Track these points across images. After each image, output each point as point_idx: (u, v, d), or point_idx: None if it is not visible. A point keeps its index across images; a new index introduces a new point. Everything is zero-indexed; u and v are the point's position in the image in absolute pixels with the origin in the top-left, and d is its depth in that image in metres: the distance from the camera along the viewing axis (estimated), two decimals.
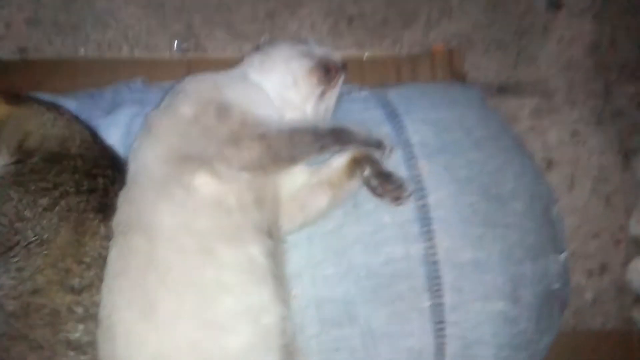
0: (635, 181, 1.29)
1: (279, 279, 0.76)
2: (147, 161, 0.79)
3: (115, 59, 1.21)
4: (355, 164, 0.84)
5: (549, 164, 1.28)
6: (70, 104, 0.95)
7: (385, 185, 0.82)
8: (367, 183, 0.84)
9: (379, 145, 0.83)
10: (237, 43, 1.26)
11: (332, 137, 0.82)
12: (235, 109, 0.79)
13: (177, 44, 1.28)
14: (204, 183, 0.75)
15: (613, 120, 1.30)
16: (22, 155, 0.82)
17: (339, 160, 0.84)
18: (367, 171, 0.83)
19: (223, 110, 0.79)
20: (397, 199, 0.83)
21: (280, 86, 0.87)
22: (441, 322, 0.83)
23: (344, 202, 0.86)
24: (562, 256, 0.94)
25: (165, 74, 1.16)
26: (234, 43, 1.26)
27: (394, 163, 0.87)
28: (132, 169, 0.81)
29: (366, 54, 1.25)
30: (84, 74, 1.16)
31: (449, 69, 1.15)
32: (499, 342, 0.84)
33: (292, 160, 0.81)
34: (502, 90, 1.26)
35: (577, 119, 1.30)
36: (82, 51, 1.22)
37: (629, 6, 1.32)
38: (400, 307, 0.83)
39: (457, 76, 1.14)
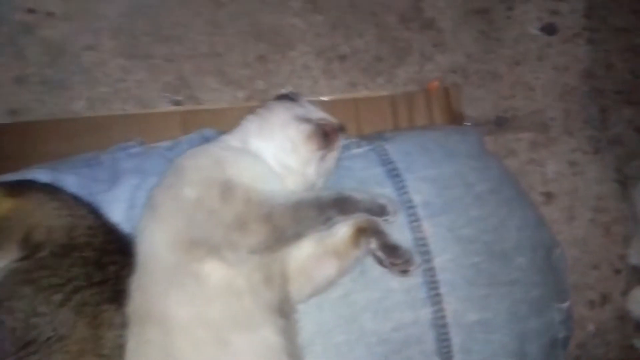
0: (633, 210, 1.31)
1: (293, 354, 0.77)
2: (154, 246, 0.79)
3: (108, 115, 1.19)
4: (361, 233, 0.84)
5: (548, 196, 1.29)
6: (70, 179, 0.94)
7: (392, 258, 0.83)
8: (373, 255, 0.85)
9: (382, 211, 0.83)
10: (230, 91, 1.25)
11: (336, 207, 0.81)
12: (238, 188, 0.78)
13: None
14: (212, 269, 0.75)
15: (610, 148, 1.31)
16: (30, 249, 0.81)
17: (344, 230, 0.84)
18: (373, 244, 0.83)
19: (227, 190, 0.78)
20: (404, 272, 0.84)
21: (279, 152, 0.86)
22: None
23: (352, 269, 0.87)
24: (566, 305, 0.96)
25: (160, 127, 1.15)
26: (227, 91, 1.24)
27: (398, 226, 0.88)
28: (141, 253, 0.80)
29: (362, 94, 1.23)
30: (78, 134, 1.13)
31: (446, 107, 1.14)
32: None
33: (298, 236, 0.81)
34: (500, 124, 1.26)
35: (575, 149, 1.30)
36: (73, 108, 1.19)
37: (621, 29, 1.32)
38: None
39: (454, 115, 1.13)
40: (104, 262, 0.83)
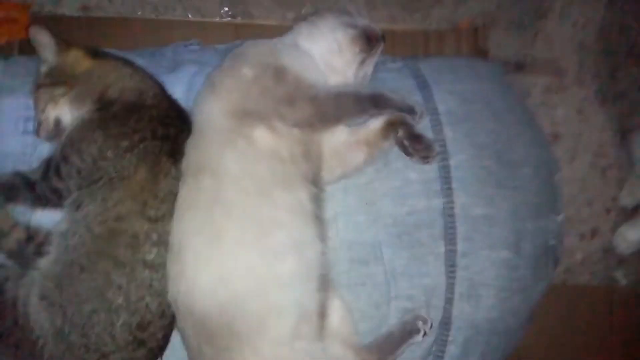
0: (629, 158, 1.43)
1: (320, 221, 0.90)
2: (211, 114, 0.92)
3: (170, 20, 1.32)
4: (390, 126, 0.97)
5: (555, 137, 1.42)
6: (136, 60, 1.05)
7: (416, 145, 0.95)
8: (399, 143, 0.97)
9: (411, 110, 0.96)
10: (281, 11, 1.36)
11: (372, 102, 0.94)
12: (290, 73, 0.91)
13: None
14: (261, 136, 0.88)
15: (615, 101, 1.44)
16: (104, 104, 0.93)
17: (376, 123, 0.97)
18: (400, 132, 0.96)
19: (280, 73, 0.91)
20: (425, 158, 0.96)
21: (326, 53, 0.99)
22: (453, 265, 0.98)
23: (377, 159, 0.99)
24: (560, 217, 1.08)
25: (215, 36, 1.28)
26: (277, 11, 1.36)
27: (422, 128, 1.00)
28: (198, 121, 0.93)
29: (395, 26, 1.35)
30: (143, 33, 1.27)
31: (473, 45, 1.26)
32: (501, 285, 0.99)
33: (336, 120, 0.94)
34: (519, 67, 1.39)
35: (583, 98, 1.43)
36: (139, 12, 1.31)
37: None
38: (419, 251, 0.98)
39: (480, 52, 1.25)
40: (166, 123, 0.96)
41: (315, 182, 0.92)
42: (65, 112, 0.94)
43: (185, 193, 0.88)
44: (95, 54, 0.99)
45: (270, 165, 0.88)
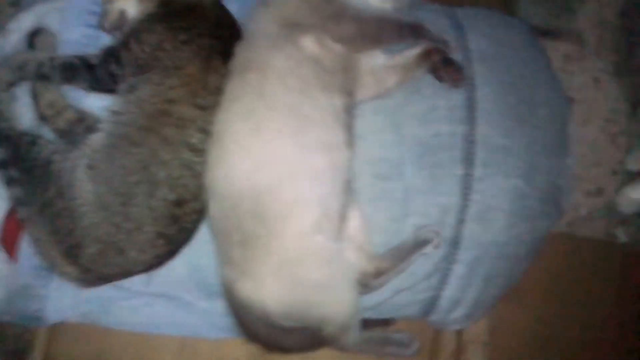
0: (639, 126, 1.52)
1: (350, 130, 0.97)
2: (263, 23, 1.00)
3: None
4: (426, 55, 1.04)
5: (570, 101, 1.47)
6: None
7: (448, 69, 1.03)
8: (432, 68, 1.04)
9: (446, 44, 1.04)
10: None
11: (411, 29, 1.03)
12: None
13: None
14: (307, 45, 0.96)
15: (630, 75, 1.52)
16: (165, 3, 1.00)
17: (413, 51, 1.05)
18: (435, 57, 1.04)
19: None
20: (455, 81, 1.03)
21: None
22: (468, 188, 1.05)
23: (409, 85, 1.06)
24: (569, 160, 1.16)
25: None
26: None
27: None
28: (250, 29, 1.02)
29: None
30: None
31: (504, 11, 1.33)
32: (511, 210, 1.06)
33: (376, 41, 1.02)
34: (545, 33, 1.46)
35: (601, 69, 1.51)
36: None
37: None
38: (438, 172, 1.05)
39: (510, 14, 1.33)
40: (222, 24, 1.04)
41: (350, 95, 1.00)
42: (130, 4, 1.01)
43: (232, 87, 0.96)
44: None
45: (313, 69, 0.95)
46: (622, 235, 1.51)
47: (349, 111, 0.98)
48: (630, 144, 1.53)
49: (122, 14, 1.02)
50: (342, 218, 0.95)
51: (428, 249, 1.03)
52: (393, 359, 1.12)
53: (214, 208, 0.95)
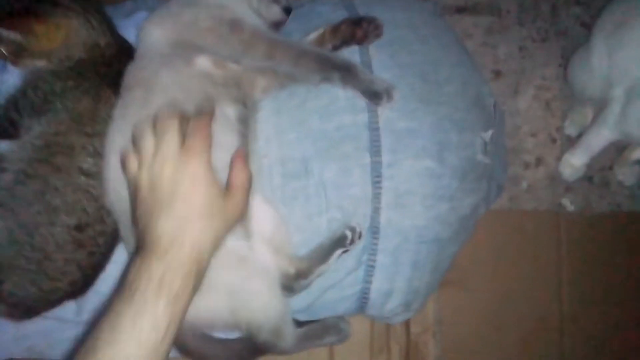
0: (571, 88, 1.46)
1: (246, 137, 0.96)
2: (155, 43, 0.99)
3: None
4: (332, 31, 1.03)
5: (497, 74, 1.45)
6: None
7: (362, 26, 1.02)
8: (346, 36, 1.02)
9: (376, 97, 0.99)
10: None
11: (341, 71, 0.98)
12: (246, 22, 0.97)
13: None
14: (202, 62, 0.96)
15: (557, 38, 1.48)
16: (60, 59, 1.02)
17: (313, 34, 1.05)
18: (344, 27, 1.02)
19: (236, 23, 0.97)
20: (377, 34, 1.02)
21: None
22: (378, 176, 1.02)
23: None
24: (488, 133, 1.12)
25: None
26: None
27: (349, 51, 1.06)
28: (141, 47, 1.02)
29: None
30: None
31: None
32: (425, 192, 1.03)
33: (272, 62, 0.98)
34: (460, 10, 1.43)
35: (525, 37, 1.47)
36: None
37: None
38: (346, 163, 1.03)
39: None
40: (112, 62, 1.04)
41: (245, 104, 0.99)
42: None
43: (118, 106, 0.96)
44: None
45: (202, 83, 0.95)
46: (568, 204, 1.45)
47: (244, 119, 0.97)
48: (565, 109, 1.48)
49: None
50: (246, 216, 0.93)
51: (345, 245, 1.02)
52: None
53: (120, 225, 0.95)
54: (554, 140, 1.46)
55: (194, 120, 0.81)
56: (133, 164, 0.80)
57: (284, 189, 1.04)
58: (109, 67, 1.03)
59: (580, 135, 1.45)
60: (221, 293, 0.91)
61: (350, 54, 1.06)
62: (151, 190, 0.76)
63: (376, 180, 1.03)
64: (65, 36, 1.02)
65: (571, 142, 1.46)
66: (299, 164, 1.04)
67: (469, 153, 1.09)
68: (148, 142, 0.79)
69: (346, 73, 0.98)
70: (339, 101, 1.05)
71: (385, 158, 1.03)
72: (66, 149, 0.96)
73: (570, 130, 1.48)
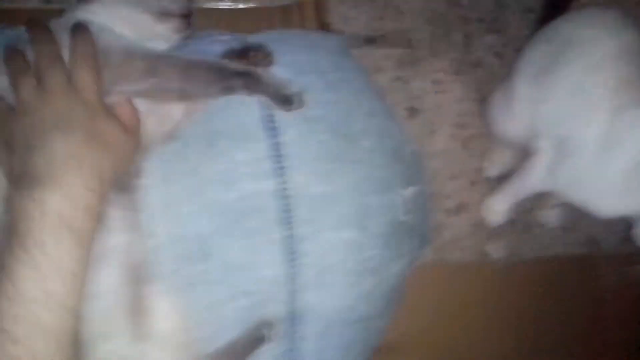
0: (490, 127, 1.37)
1: (131, 209, 0.79)
2: None
3: None
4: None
5: (412, 111, 1.36)
6: None
7: (252, 54, 0.87)
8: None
9: (286, 102, 0.85)
10: None
11: (242, 80, 0.82)
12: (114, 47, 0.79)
13: None
14: None
15: (472, 70, 1.41)
16: None
17: None
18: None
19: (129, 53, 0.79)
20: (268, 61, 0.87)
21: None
22: (293, 252, 0.86)
23: (201, 140, 0.87)
24: (410, 190, 1.00)
25: None
26: None
27: (247, 103, 0.90)
28: None
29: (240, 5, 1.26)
30: None
31: (318, 19, 1.20)
32: (348, 268, 0.89)
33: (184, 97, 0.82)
34: (369, 41, 1.32)
35: (439, 69, 1.39)
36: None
37: None
38: (253, 240, 0.86)
39: (323, 26, 1.18)
40: None
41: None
42: None
43: None
44: None
45: None
46: (493, 252, 1.40)
47: (125, 187, 0.79)
48: (484, 148, 1.42)
49: None
50: (139, 313, 0.76)
51: (264, 346, 0.86)
52: None
53: None
54: (473, 183, 1.39)
55: (74, 54, 0.71)
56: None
57: (181, 275, 0.85)
58: None
59: (500, 177, 1.39)
60: None
61: (248, 107, 0.90)
62: (40, 122, 0.64)
63: (290, 258, 0.87)
64: None
65: (491, 185, 1.40)
66: (194, 244, 0.85)
67: (391, 216, 0.96)
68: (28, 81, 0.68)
69: (248, 78, 0.82)
70: (239, 166, 0.87)
71: (299, 231, 0.87)
72: None
73: (490, 171, 1.42)
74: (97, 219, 0.62)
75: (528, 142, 1.24)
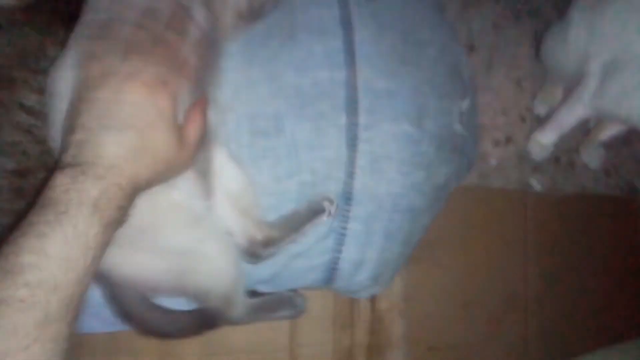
0: (543, 69, 1.47)
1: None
2: None
3: None
4: None
5: (471, 48, 1.43)
6: None
7: None
8: None
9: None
10: None
11: None
12: None
13: None
14: None
15: (529, 18, 1.47)
16: None
17: None
18: None
19: None
20: None
21: None
22: (355, 138, 0.96)
23: (283, 30, 0.97)
24: (465, 102, 1.08)
25: None
26: None
27: (328, 3, 1.01)
28: None
29: None
30: None
31: None
32: (402, 158, 0.98)
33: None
34: None
35: (499, 14, 1.45)
36: None
37: None
38: (321, 123, 0.96)
39: None
40: None
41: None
42: None
43: (75, 34, 0.80)
44: None
45: None
46: (536, 184, 1.46)
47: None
48: (535, 88, 1.48)
49: None
50: (203, 171, 0.84)
51: (322, 218, 0.95)
52: None
53: None
54: (523, 119, 1.45)
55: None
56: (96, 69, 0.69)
57: (252, 148, 0.95)
58: (66, 3, 0.90)
59: (548, 115, 1.45)
60: (169, 253, 0.82)
61: (329, 7, 1.01)
62: (109, 105, 0.66)
63: (352, 142, 0.97)
64: None
65: (540, 122, 1.46)
66: (270, 120, 0.95)
67: (446, 121, 1.05)
68: (116, 61, 0.69)
69: None
70: (316, 56, 0.98)
71: (362, 119, 0.97)
72: (5, 82, 0.84)
73: (540, 109, 1.48)
74: (125, 215, 0.66)
75: (578, 71, 1.31)
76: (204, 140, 0.80)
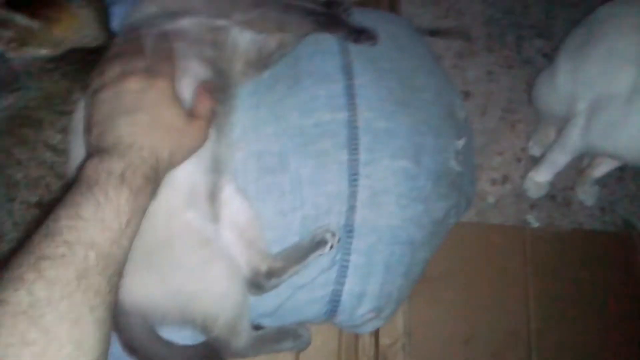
0: (536, 113, 1.54)
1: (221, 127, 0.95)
2: (142, 15, 0.97)
3: None
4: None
5: (467, 94, 1.52)
6: None
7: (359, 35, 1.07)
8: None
9: (359, 34, 1.06)
10: None
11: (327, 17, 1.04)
12: None
13: None
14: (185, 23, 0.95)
15: (522, 66, 1.58)
16: None
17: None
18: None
19: None
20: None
21: None
22: (355, 173, 1.02)
23: (288, 77, 1.05)
24: (461, 142, 1.14)
25: None
26: None
27: (330, 52, 1.09)
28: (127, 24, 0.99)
29: None
30: None
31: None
32: (400, 192, 1.03)
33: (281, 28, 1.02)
34: (432, 32, 1.50)
35: (493, 62, 1.56)
36: None
37: None
38: (324, 160, 1.02)
39: None
40: (99, 50, 1.02)
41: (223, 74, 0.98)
42: None
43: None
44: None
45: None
46: (533, 221, 1.50)
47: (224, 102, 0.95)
48: (530, 130, 1.56)
49: None
50: (213, 198, 0.91)
51: (324, 250, 0.99)
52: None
53: None
54: (519, 160, 1.52)
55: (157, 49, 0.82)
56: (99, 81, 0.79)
57: (258, 183, 1.01)
58: (95, 55, 0.99)
59: (543, 156, 1.50)
60: (178, 273, 0.86)
61: (332, 56, 1.09)
62: (114, 99, 0.75)
63: (353, 177, 1.03)
64: (79, 25, 1.01)
65: (535, 162, 1.52)
66: (275, 158, 1.02)
67: (443, 158, 1.11)
68: (115, 66, 0.79)
69: (332, 17, 1.04)
70: (319, 99, 1.06)
71: (362, 156, 1.03)
72: (34, 122, 0.91)
73: (535, 150, 1.55)
74: (154, 186, 0.72)
75: (568, 112, 1.38)
76: (214, 119, 0.87)
